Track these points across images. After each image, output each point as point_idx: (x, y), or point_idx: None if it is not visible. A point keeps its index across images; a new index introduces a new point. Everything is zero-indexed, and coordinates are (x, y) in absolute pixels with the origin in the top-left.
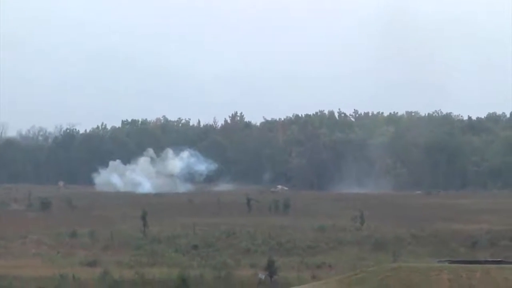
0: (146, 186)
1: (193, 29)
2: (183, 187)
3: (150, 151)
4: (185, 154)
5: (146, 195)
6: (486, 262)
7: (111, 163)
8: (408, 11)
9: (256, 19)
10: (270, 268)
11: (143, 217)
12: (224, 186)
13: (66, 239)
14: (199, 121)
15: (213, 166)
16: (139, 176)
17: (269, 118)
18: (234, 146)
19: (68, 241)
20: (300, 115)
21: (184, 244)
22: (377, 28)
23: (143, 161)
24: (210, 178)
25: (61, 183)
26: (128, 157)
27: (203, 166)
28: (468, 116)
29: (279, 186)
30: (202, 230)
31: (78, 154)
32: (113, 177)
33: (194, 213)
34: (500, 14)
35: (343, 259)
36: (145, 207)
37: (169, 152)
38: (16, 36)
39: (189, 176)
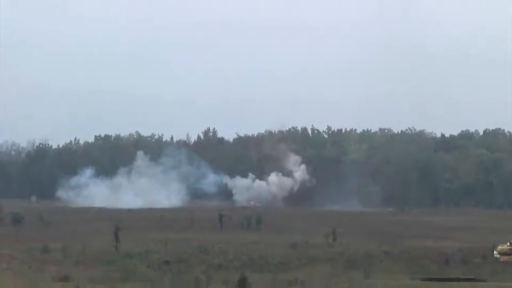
0: (133, 201)
1: (168, 46)
2: (173, 201)
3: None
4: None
5: (119, 210)
6: (458, 279)
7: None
8: (386, 30)
9: (231, 36)
10: (242, 284)
11: (115, 233)
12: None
13: (37, 254)
14: (172, 137)
15: (223, 179)
16: (127, 190)
17: (242, 134)
18: (208, 162)
19: (40, 256)
20: (273, 131)
21: (156, 260)
22: (353, 47)
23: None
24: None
25: (33, 198)
26: (100, 173)
27: (211, 178)
28: (441, 133)
29: (252, 202)
30: (174, 245)
31: (51, 169)
32: (96, 191)
33: (166, 228)
34: (476, 32)
35: (315, 275)
36: (117, 222)
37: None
38: None
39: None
